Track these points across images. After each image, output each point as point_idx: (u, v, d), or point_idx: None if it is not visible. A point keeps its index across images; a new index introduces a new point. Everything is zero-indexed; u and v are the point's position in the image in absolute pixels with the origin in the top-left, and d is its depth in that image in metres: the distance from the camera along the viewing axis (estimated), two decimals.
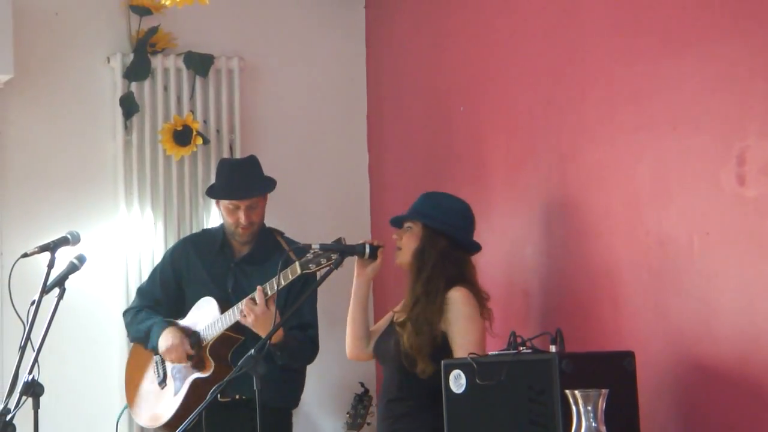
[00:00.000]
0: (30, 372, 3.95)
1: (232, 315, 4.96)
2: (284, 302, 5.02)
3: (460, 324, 4.35)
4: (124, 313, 5.41)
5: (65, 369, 5.60)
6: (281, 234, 5.28)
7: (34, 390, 3.94)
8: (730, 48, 3.65)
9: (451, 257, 4.43)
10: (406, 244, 4.50)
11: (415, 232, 4.49)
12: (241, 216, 5.15)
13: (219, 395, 4.94)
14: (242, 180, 5.20)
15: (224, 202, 5.20)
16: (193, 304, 5.23)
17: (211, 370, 5.00)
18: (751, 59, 3.57)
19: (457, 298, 4.37)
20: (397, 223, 4.61)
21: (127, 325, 5.36)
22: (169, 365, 5.19)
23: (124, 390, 5.40)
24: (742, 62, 3.60)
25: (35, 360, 3.98)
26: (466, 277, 4.45)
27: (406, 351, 4.36)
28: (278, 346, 4.93)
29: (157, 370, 5.23)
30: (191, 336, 5.13)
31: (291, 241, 5.21)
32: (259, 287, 4.84)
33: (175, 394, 5.11)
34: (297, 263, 4.64)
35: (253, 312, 4.82)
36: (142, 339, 5.25)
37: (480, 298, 4.42)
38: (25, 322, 4.06)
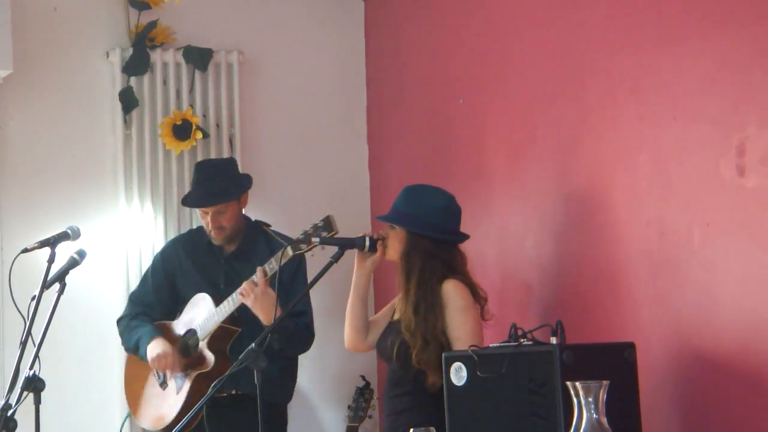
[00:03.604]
0: (31, 367, 3.95)
1: (228, 306, 4.98)
2: (277, 289, 5.04)
3: (455, 317, 4.36)
4: (118, 322, 5.41)
5: (66, 364, 5.60)
6: (268, 226, 5.30)
7: (35, 385, 3.94)
8: (729, 38, 3.65)
9: (437, 255, 4.44)
10: (392, 243, 4.52)
11: (398, 233, 4.50)
12: (209, 220, 5.18)
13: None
14: (205, 186, 5.20)
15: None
16: (188, 300, 5.24)
17: (212, 364, 5.00)
18: (750, 50, 3.57)
19: (449, 290, 4.38)
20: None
21: (121, 335, 5.38)
22: None
23: (126, 399, 5.41)
24: (742, 53, 3.60)
25: (36, 355, 3.97)
26: (456, 269, 4.46)
27: (416, 367, 4.36)
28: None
29: (157, 373, 5.24)
30: (187, 334, 5.15)
31: (278, 234, 5.23)
32: (259, 268, 4.85)
33: (178, 392, 5.12)
34: (288, 247, 4.69)
35: (253, 292, 4.83)
36: (133, 351, 5.29)
37: (472, 286, 4.43)
38: (26, 318, 4.05)
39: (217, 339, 5.05)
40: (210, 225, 5.17)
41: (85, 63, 5.88)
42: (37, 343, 4.00)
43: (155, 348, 5.13)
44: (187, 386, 5.08)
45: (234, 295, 4.96)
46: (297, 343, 5.17)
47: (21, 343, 4.05)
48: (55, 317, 4.06)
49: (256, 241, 5.26)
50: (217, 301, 5.06)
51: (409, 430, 4.28)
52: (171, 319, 5.28)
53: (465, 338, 4.28)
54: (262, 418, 4.11)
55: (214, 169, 5.28)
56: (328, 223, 4.66)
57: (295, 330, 5.09)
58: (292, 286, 5.05)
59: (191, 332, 5.15)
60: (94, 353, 5.76)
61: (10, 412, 3.88)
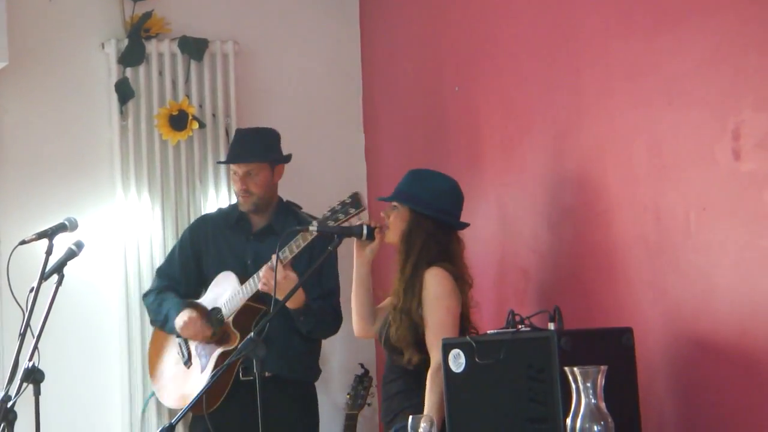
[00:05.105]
0: (30, 359, 3.96)
1: (252, 284, 4.98)
2: (304, 271, 5.02)
3: (428, 305, 4.36)
4: (145, 296, 5.46)
5: (65, 355, 5.61)
6: (299, 208, 5.30)
7: (34, 377, 3.95)
8: (723, 22, 3.65)
9: (437, 238, 4.44)
10: (394, 224, 4.51)
11: (401, 213, 4.49)
12: (237, 181, 5.18)
13: (241, 374, 4.99)
14: (241, 146, 5.22)
15: (231, 167, 5.25)
16: (212, 279, 5.25)
17: (237, 342, 4.98)
18: (744, 33, 3.57)
19: (429, 278, 4.37)
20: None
21: (148, 309, 5.42)
22: (192, 344, 5.22)
23: (149, 376, 5.45)
24: (736, 36, 3.60)
25: (35, 347, 3.98)
26: (451, 255, 4.46)
27: (392, 343, 4.39)
28: (300, 311, 4.96)
29: (181, 351, 5.25)
30: (212, 312, 5.16)
31: (311, 216, 5.19)
32: (273, 255, 4.80)
33: (203, 371, 5.12)
34: (314, 223, 4.64)
35: (273, 279, 4.80)
36: (161, 323, 5.30)
37: (458, 274, 4.42)
38: (25, 309, 4.06)
39: (242, 317, 5.04)
40: (239, 186, 5.18)
41: (81, 54, 5.88)
42: (36, 334, 4.01)
43: (183, 316, 5.14)
44: (211, 365, 5.07)
45: (259, 273, 4.93)
46: (325, 326, 5.17)
47: (20, 334, 4.05)
48: (54, 308, 4.07)
49: (287, 221, 5.24)
50: (243, 279, 5.07)
51: (400, 413, 4.32)
52: (195, 299, 5.29)
53: (432, 328, 4.30)
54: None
55: (252, 133, 5.31)
56: (356, 200, 4.66)
57: (322, 312, 5.11)
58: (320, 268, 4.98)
59: (216, 310, 5.15)
60: (93, 344, 5.78)
61: (9, 404, 3.89)
